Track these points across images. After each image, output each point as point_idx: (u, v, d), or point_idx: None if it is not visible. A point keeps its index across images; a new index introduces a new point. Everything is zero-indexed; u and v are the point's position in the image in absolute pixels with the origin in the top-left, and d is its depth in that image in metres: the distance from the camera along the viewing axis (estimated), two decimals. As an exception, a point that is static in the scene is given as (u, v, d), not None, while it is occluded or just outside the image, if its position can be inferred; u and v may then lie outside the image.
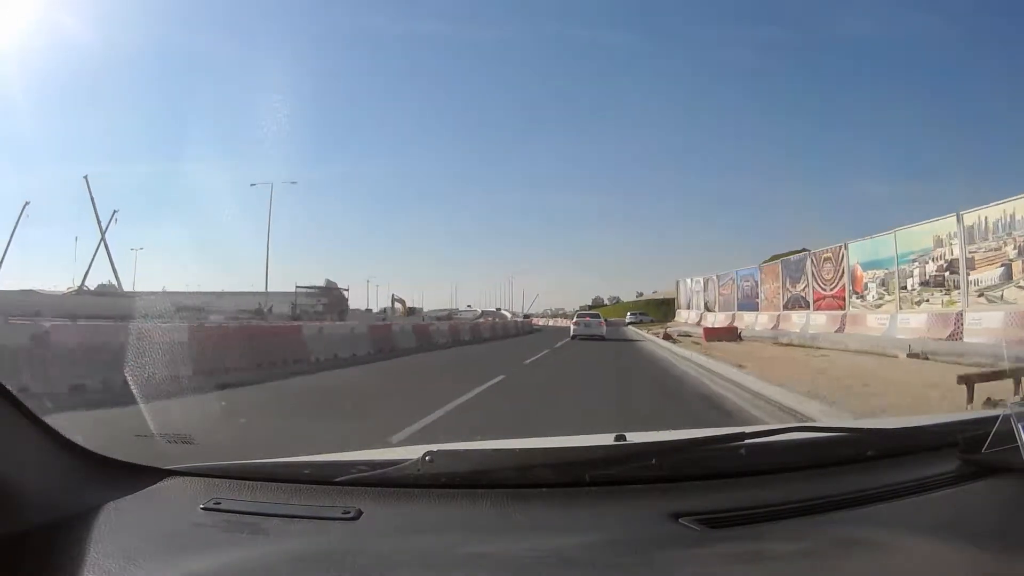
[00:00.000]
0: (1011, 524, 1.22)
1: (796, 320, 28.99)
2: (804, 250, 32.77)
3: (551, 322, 72.85)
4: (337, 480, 1.33)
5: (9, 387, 1.15)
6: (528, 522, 1.20)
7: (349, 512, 1.21)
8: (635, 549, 1.10)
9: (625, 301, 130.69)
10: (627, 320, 67.44)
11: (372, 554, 1.12)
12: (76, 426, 1.38)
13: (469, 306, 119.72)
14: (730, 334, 27.01)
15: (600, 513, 1.24)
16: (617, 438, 1.53)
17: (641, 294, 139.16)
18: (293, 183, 72.31)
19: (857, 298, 24.50)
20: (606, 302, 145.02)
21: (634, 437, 1.54)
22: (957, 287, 18.28)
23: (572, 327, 29.62)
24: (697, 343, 22.71)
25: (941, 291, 19.10)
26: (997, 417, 1.33)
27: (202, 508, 1.26)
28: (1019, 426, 1.26)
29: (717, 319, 40.86)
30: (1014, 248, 16.29)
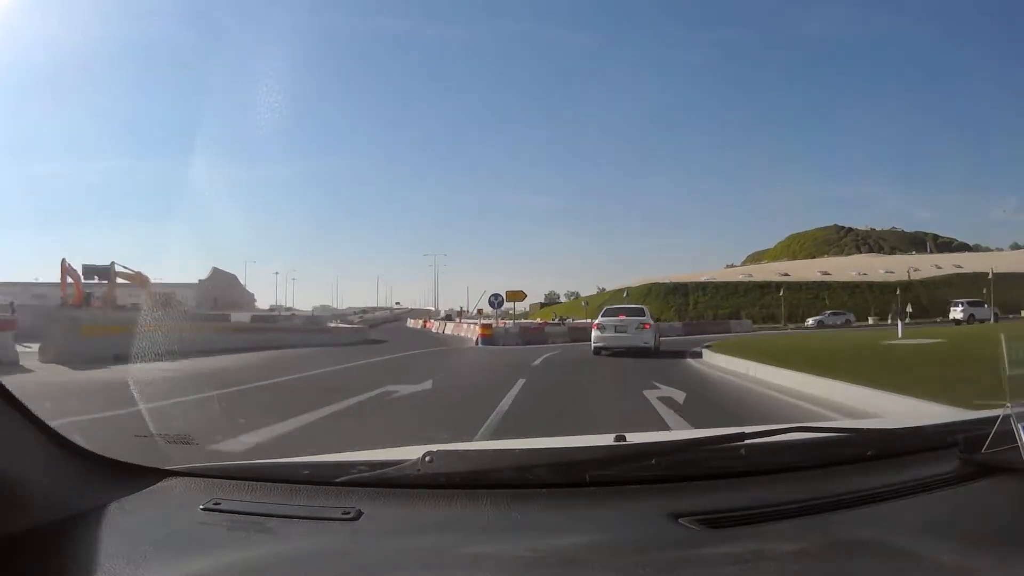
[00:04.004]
0: (1011, 524, 1.22)
1: None
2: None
3: (448, 328, 43.13)
4: (337, 480, 1.33)
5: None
6: (528, 522, 1.20)
7: (349, 512, 1.21)
8: (635, 549, 1.10)
9: (585, 295, 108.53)
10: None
11: (372, 554, 1.12)
12: (76, 426, 1.39)
13: (397, 303, 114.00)
14: None
15: (600, 513, 1.24)
16: (617, 438, 1.53)
17: (603, 289, 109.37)
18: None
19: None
20: (562, 298, 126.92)
21: (634, 437, 1.54)
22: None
23: (595, 333, 17.32)
24: None
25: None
26: (997, 417, 1.33)
27: (202, 508, 1.27)
28: (1019, 426, 1.26)
29: None
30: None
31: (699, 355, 15.13)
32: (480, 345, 26.16)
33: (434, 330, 46.77)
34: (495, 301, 33.12)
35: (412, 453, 1.33)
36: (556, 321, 51.15)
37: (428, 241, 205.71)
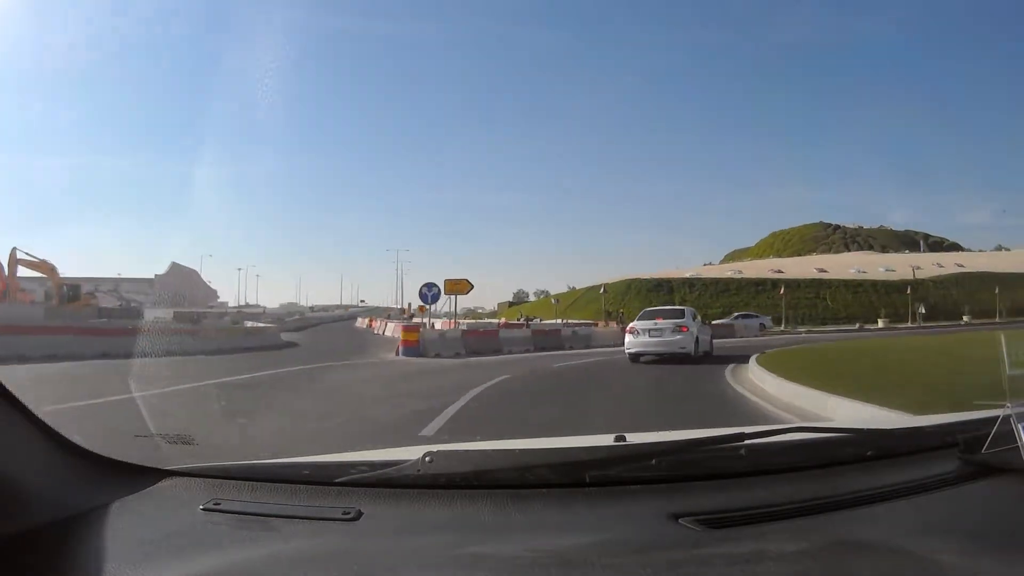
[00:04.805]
0: (1011, 524, 1.22)
1: None
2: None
3: (388, 328, 36.61)
4: (337, 480, 1.33)
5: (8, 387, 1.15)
6: (528, 522, 1.20)
7: (349, 512, 1.21)
8: (635, 549, 1.10)
9: (556, 294, 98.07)
10: None
11: (372, 554, 1.12)
12: (76, 426, 1.37)
13: (362, 301, 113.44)
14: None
15: (600, 513, 1.24)
16: (617, 438, 1.53)
17: (573, 287, 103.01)
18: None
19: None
20: (531, 297, 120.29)
21: (634, 438, 1.55)
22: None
23: (628, 338, 16.37)
24: None
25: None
26: (997, 417, 1.33)
27: (202, 508, 1.26)
28: (1019, 426, 1.26)
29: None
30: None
31: (742, 370, 12.43)
32: (401, 356, 19.17)
33: (376, 330, 41.93)
34: (428, 293, 24.75)
35: (412, 453, 1.34)
36: (520, 322, 45.55)
37: (398, 240, 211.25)
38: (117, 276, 62.00)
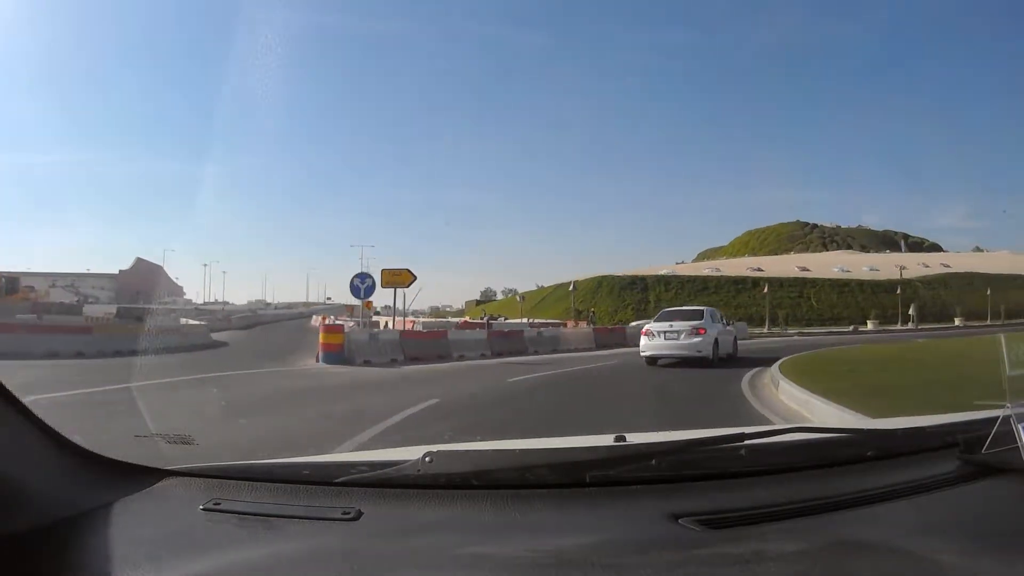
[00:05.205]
0: (1011, 524, 1.23)
1: None
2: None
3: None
4: (337, 481, 1.33)
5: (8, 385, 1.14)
6: (528, 523, 1.20)
7: (349, 513, 1.21)
8: (635, 550, 1.10)
9: (523, 291, 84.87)
10: None
11: (372, 554, 1.12)
12: (76, 426, 1.34)
13: (328, 298, 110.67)
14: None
15: (600, 514, 1.24)
16: (617, 439, 1.53)
17: (541, 286, 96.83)
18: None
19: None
20: (499, 295, 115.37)
21: (634, 438, 1.54)
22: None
23: (643, 341, 15.54)
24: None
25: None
26: (997, 417, 1.34)
27: (202, 509, 1.26)
28: (1019, 426, 1.27)
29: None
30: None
31: (754, 384, 10.82)
32: (320, 363, 15.94)
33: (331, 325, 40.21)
34: (360, 286, 19.86)
35: (412, 453, 1.33)
36: (483, 320, 41.63)
37: (368, 238, 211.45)
38: (86, 271, 61.82)
